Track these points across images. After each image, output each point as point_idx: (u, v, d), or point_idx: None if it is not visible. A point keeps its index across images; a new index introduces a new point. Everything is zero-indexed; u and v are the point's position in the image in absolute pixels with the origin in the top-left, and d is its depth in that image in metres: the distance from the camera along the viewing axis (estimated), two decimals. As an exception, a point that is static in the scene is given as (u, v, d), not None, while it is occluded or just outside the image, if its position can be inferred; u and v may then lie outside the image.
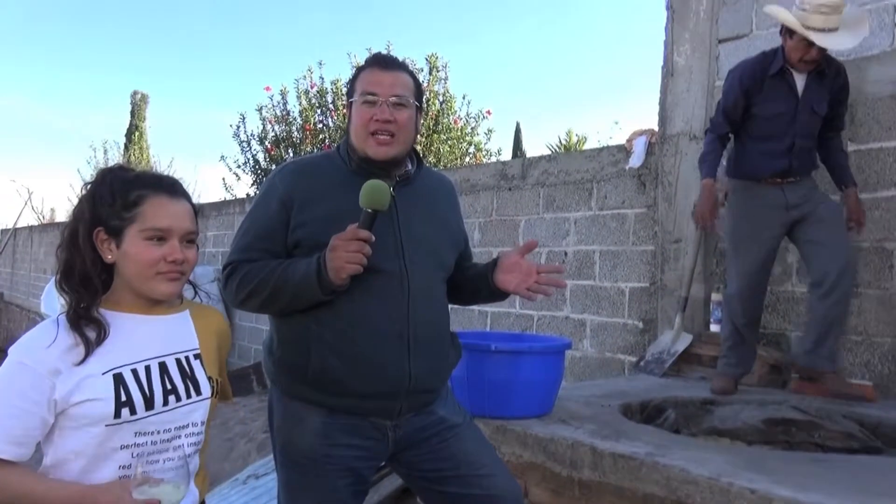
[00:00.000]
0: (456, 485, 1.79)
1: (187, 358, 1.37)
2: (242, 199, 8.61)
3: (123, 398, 1.24)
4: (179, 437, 1.30)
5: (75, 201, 1.35)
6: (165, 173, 1.41)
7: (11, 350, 1.24)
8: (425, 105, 8.98)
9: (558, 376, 2.34)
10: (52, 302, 7.61)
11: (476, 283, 1.90)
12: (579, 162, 4.34)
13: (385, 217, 1.66)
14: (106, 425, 1.23)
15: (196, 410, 1.34)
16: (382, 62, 1.76)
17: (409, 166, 1.80)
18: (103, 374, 1.25)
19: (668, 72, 3.77)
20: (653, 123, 3.92)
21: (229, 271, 1.71)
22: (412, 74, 1.78)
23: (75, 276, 1.29)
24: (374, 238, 1.56)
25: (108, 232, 1.29)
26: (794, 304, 3.21)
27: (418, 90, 1.79)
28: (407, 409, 1.74)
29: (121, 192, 1.30)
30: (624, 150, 4.04)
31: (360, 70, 1.80)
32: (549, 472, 2.05)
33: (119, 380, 1.25)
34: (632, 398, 2.76)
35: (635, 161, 3.89)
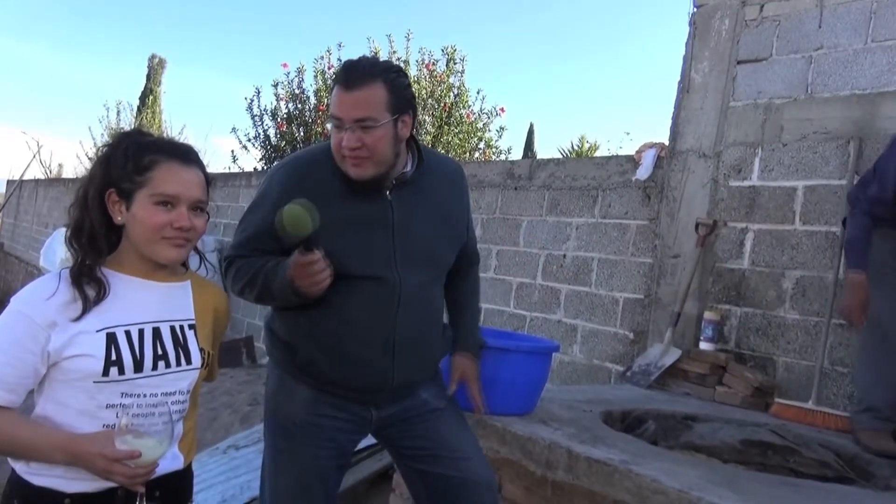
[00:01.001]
0: (432, 464, 1.86)
1: (182, 327, 1.39)
2: (249, 173, 8.63)
3: (113, 357, 1.27)
4: (166, 403, 1.32)
5: (91, 161, 1.37)
6: (181, 140, 1.44)
7: (13, 299, 1.27)
8: (428, 102, 8.93)
9: (543, 377, 2.36)
10: (52, 256, 7.65)
11: (450, 315, 1.97)
12: (587, 168, 4.36)
13: (380, 224, 1.70)
14: (94, 382, 1.26)
15: (184, 379, 1.37)
16: (345, 80, 1.62)
17: (408, 167, 1.76)
18: (97, 331, 1.27)
19: (684, 88, 3.78)
20: (664, 137, 3.93)
21: (226, 265, 1.77)
22: (388, 80, 1.62)
23: (84, 235, 1.32)
24: (321, 254, 1.53)
25: (119, 194, 1.32)
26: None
27: (396, 98, 1.63)
28: (389, 399, 1.81)
29: (134, 156, 1.32)
30: (632, 161, 4.05)
31: (333, 83, 1.70)
32: (524, 470, 2.08)
33: (111, 339, 1.28)
34: (614, 406, 2.79)
35: (642, 173, 3.91)
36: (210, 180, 1.41)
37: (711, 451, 2.27)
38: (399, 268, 1.72)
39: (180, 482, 1.42)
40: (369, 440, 3.15)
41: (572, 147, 15.24)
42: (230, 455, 3.53)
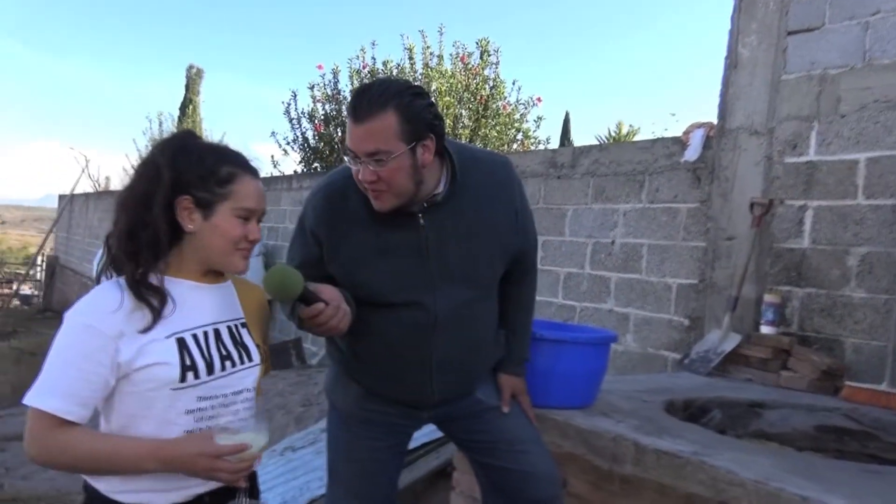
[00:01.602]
0: (492, 457, 1.85)
1: (236, 326, 1.40)
2: (290, 176, 8.71)
3: (188, 362, 1.26)
4: (236, 402, 1.33)
5: (145, 163, 1.33)
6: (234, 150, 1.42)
7: (74, 312, 1.24)
8: (464, 95, 8.85)
9: (601, 369, 2.30)
10: (105, 267, 7.83)
11: (505, 327, 1.88)
12: (632, 153, 4.25)
13: (413, 250, 1.64)
14: (171, 389, 1.25)
15: (249, 376, 1.38)
16: (354, 111, 1.51)
17: (441, 187, 1.65)
18: (166, 338, 1.26)
19: (732, 63, 3.65)
20: (711, 116, 3.80)
21: None
22: (401, 106, 1.49)
23: (140, 240, 1.28)
24: (322, 305, 1.47)
25: (195, 202, 1.30)
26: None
27: (411, 124, 1.50)
28: (436, 406, 1.82)
29: (212, 166, 1.31)
30: (679, 143, 3.93)
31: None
32: (590, 465, 2.02)
33: (182, 344, 1.28)
34: (675, 395, 2.70)
35: (691, 154, 3.79)
36: None
37: (784, 439, 2.18)
38: (436, 292, 1.67)
39: (253, 481, 1.44)
40: (427, 437, 3.14)
41: (609, 133, 14.99)
42: (287, 457, 3.55)
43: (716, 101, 3.72)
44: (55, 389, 1.19)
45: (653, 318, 4.05)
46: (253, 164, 1.38)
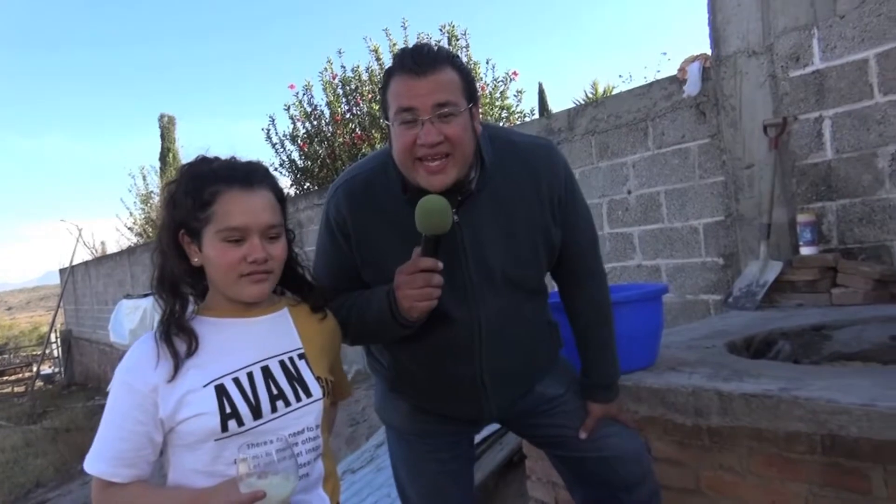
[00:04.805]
0: (568, 448, 1.72)
1: (291, 359, 1.28)
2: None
3: (228, 410, 1.17)
4: (297, 443, 1.21)
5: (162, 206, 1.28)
6: (245, 160, 1.28)
7: (117, 370, 1.20)
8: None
9: (659, 324, 2.19)
10: (120, 328, 7.76)
11: (579, 343, 1.74)
12: (629, 102, 4.13)
13: (448, 252, 1.41)
14: (215, 440, 1.16)
15: (308, 414, 1.26)
16: (413, 66, 1.34)
17: (473, 173, 1.47)
18: (204, 386, 1.18)
19: (714, -12, 3.52)
20: (705, 48, 3.67)
21: None
22: (457, 65, 1.39)
23: (166, 282, 1.23)
24: (441, 265, 1.33)
25: (188, 234, 1.21)
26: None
27: (468, 83, 1.41)
28: (493, 417, 1.70)
29: (194, 191, 1.20)
30: (676, 81, 3.81)
31: (388, 77, 1.41)
32: (671, 424, 1.91)
33: (221, 391, 1.18)
34: (733, 336, 2.59)
35: (691, 89, 3.66)
36: (284, 197, 1.29)
37: (865, 357, 2.07)
38: (476, 299, 1.49)
39: None
40: (486, 430, 3.04)
41: (586, 96, 14.83)
42: (348, 480, 3.45)
43: (706, 31, 3.59)
44: (102, 453, 1.18)
45: (685, 265, 3.94)
46: (250, 175, 1.23)
